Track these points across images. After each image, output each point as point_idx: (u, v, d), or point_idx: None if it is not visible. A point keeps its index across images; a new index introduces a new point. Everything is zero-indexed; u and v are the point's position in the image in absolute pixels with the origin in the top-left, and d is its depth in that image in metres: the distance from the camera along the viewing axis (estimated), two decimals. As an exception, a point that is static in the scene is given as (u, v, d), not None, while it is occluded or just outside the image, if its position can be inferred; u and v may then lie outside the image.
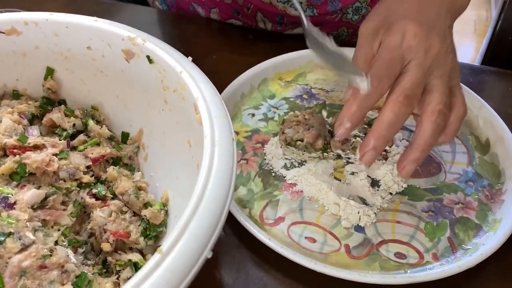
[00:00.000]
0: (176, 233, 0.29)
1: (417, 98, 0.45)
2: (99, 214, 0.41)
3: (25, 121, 0.47)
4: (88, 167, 0.45)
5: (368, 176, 0.55)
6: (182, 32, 0.78)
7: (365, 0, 0.74)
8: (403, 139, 0.60)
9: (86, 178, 0.43)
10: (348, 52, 0.48)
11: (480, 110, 0.61)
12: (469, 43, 2.26)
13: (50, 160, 0.41)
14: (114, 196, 0.45)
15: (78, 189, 0.43)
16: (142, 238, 0.42)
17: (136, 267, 0.40)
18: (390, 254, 0.48)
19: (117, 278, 0.40)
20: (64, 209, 0.41)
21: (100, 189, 0.44)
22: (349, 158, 0.57)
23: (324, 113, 0.63)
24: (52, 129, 0.49)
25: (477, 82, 0.70)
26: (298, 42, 0.71)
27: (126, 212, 0.43)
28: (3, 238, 0.35)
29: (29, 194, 0.38)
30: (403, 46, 0.45)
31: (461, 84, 0.64)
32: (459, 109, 0.47)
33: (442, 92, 0.46)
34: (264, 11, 0.75)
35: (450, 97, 0.47)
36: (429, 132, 0.45)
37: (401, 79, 0.45)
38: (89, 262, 0.40)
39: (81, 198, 0.43)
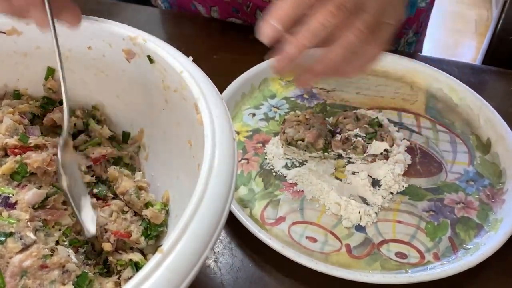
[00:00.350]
0: (177, 233, 0.29)
1: (349, 12, 0.41)
2: (100, 214, 0.41)
3: (26, 121, 0.47)
4: (89, 167, 0.45)
5: (369, 175, 0.55)
6: (182, 32, 0.78)
7: None
8: (404, 138, 0.60)
9: (87, 178, 0.43)
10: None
11: (481, 110, 0.61)
12: (470, 43, 2.26)
13: (51, 160, 0.41)
14: (115, 196, 0.45)
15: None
16: (143, 238, 0.42)
17: (137, 266, 0.40)
18: (391, 254, 0.48)
19: (118, 278, 0.40)
20: (65, 209, 0.41)
21: (101, 189, 0.44)
22: (350, 158, 0.57)
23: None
24: (53, 129, 0.49)
25: (478, 81, 0.70)
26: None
27: (127, 212, 0.43)
28: (4, 238, 0.35)
29: (30, 194, 0.38)
30: None
31: (463, 84, 0.64)
32: (372, 50, 0.45)
33: (363, 20, 0.42)
34: (263, 9, 0.75)
35: (374, 31, 0.43)
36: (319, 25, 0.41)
37: None
38: (90, 262, 0.40)
39: None
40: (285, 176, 0.55)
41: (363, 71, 0.46)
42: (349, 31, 0.42)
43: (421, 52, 0.88)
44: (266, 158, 0.57)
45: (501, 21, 0.93)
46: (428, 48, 2.14)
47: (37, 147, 0.43)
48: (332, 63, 0.44)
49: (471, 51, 2.21)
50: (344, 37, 0.42)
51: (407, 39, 0.82)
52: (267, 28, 0.41)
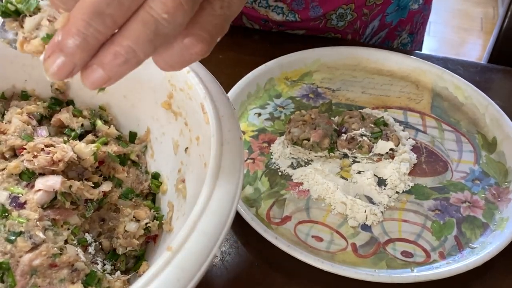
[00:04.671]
0: (186, 231, 0.29)
1: None
2: (132, 225, 0.42)
3: (34, 122, 0.48)
4: (97, 167, 0.45)
5: (374, 175, 0.55)
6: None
7: (349, 7, 0.73)
8: (409, 137, 0.60)
9: (96, 178, 0.44)
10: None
11: (487, 109, 0.61)
12: (476, 41, 2.25)
13: (59, 160, 0.42)
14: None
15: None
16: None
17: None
18: (397, 253, 0.48)
19: (127, 278, 0.40)
20: (74, 209, 0.41)
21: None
22: (355, 157, 0.57)
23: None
24: (61, 129, 0.49)
25: (483, 80, 0.69)
26: (304, 42, 0.71)
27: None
28: (14, 237, 0.36)
29: (39, 194, 0.39)
30: None
31: (469, 83, 0.64)
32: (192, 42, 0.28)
33: None
34: (247, 15, 0.75)
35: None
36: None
37: None
38: (98, 261, 0.41)
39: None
40: (291, 176, 0.55)
41: (174, 69, 0.30)
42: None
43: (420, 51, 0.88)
44: (271, 158, 0.57)
45: (507, 19, 0.92)
46: (434, 46, 2.15)
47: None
48: (129, 53, 0.27)
49: (477, 49, 2.20)
50: (146, 9, 0.26)
51: (400, 40, 0.82)
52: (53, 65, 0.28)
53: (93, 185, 0.43)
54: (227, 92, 0.59)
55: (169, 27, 0.27)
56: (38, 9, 0.30)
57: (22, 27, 0.30)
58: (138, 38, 0.27)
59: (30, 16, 0.30)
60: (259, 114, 0.63)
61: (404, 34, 0.81)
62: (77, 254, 0.37)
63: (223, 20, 0.30)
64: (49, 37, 0.29)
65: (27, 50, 0.30)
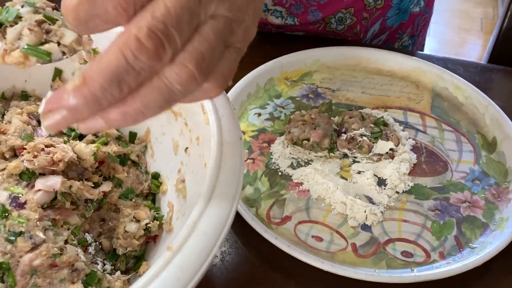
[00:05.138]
0: (186, 231, 0.29)
1: (173, 39, 0.26)
2: (132, 226, 0.42)
3: (34, 122, 0.48)
4: (97, 167, 0.45)
5: (374, 175, 0.55)
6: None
7: (349, 11, 0.73)
8: (409, 137, 0.60)
9: (96, 178, 0.44)
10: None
11: (487, 109, 0.61)
12: (476, 41, 2.25)
13: (59, 160, 0.42)
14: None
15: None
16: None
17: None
18: (397, 253, 0.48)
19: (127, 278, 0.40)
20: (74, 209, 0.41)
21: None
22: (355, 157, 0.57)
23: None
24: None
25: (483, 80, 0.69)
26: (304, 42, 0.71)
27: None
28: (14, 237, 0.36)
29: (39, 194, 0.39)
30: None
31: (469, 83, 0.64)
32: (206, 89, 0.29)
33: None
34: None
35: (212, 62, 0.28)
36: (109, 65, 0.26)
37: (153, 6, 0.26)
38: (98, 261, 0.41)
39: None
40: (291, 176, 0.56)
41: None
42: (171, 69, 0.27)
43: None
44: (271, 158, 0.58)
45: (507, 19, 0.92)
46: (434, 46, 2.14)
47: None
48: (138, 114, 0.27)
49: (477, 49, 2.20)
50: (161, 78, 0.27)
51: (401, 43, 0.82)
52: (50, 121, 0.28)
53: (93, 185, 0.43)
54: (227, 92, 0.59)
55: (179, 95, 0.27)
56: (19, 18, 0.30)
57: (4, 37, 0.30)
58: (149, 103, 0.27)
59: (11, 26, 0.30)
60: (259, 114, 0.63)
61: (405, 36, 0.81)
62: (77, 254, 0.37)
63: (236, 62, 0.31)
64: (29, 48, 0.29)
65: (9, 62, 0.30)
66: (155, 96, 0.27)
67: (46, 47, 0.30)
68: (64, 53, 0.32)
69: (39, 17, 0.31)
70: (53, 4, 0.33)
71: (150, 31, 0.25)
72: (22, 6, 0.31)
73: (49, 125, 0.28)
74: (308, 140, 0.56)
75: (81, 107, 0.26)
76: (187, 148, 0.43)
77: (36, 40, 0.29)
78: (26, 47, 0.29)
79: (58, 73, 0.50)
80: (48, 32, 0.31)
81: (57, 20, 0.32)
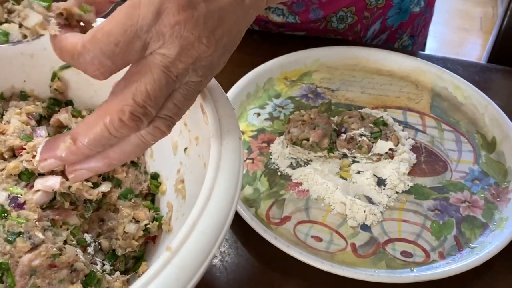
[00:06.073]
0: (185, 231, 0.29)
1: (151, 115, 0.31)
2: (132, 227, 0.42)
3: (33, 122, 0.47)
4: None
5: (374, 175, 0.55)
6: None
7: (350, 10, 0.73)
8: (409, 137, 0.60)
9: (95, 178, 0.44)
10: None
11: (487, 109, 0.61)
12: (475, 41, 2.25)
13: None
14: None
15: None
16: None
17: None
18: (397, 253, 0.48)
19: (126, 278, 0.40)
20: (73, 209, 0.41)
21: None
22: (354, 157, 0.57)
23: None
24: (60, 130, 0.49)
25: (483, 80, 0.69)
26: (303, 42, 0.71)
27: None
28: (13, 238, 0.36)
29: (39, 194, 0.39)
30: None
31: (468, 83, 0.64)
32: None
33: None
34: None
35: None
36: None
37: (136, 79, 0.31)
38: (98, 261, 0.41)
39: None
40: (290, 176, 0.55)
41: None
42: (147, 132, 0.32)
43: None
44: (271, 158, 0.57)
45: (506, 19, 0.92)
46: (434, 46, 2.14)
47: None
48: (119, 162, 0.34)
49: (476, 49, 2.20)
50: (138, 137, 0.33)
51: (401, 42, 0.82)
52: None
53: (92, 186, 0.43)
54: (226, 92, 0.59)
55: (151, 145, 0.34)
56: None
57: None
58: (129, 154, 0.33)
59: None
60: (259, 114, 0.63)
61: (405, 36, 0.81)
62: (77, 255, 0.37)
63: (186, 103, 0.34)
64: None
65: None
66: (134, 149, 0.33)
67: (4, 26, 0.30)
68: (25, 36, 0.31)
69: None
70: None
71: (131, 115, 0.30)
72: None
73: (43, 168, 0.35)
74: (308, 140, 0.56)
75: (70, 159, 0.33)
76: (186, 148, 0.43)
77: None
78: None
79: (56, 73, 0.50)
80: (10, 12, 0.30)
81: (22, 0, 0.31)
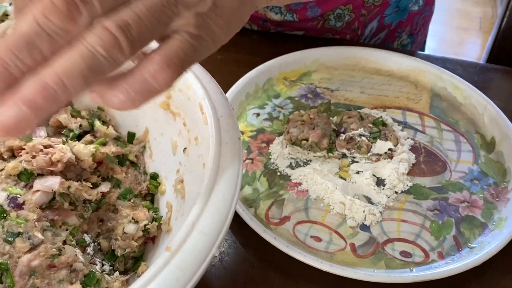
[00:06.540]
0: (184, 231, 0.29)
1: (91, 4, 0.24)
2: (131, 227, 0.42)
3: (33, 122, 0.47)
4: (95, 167, 0.45)
5: (373, 175, 0.55)
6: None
7: (347, 7, 0.73)
8: (408, 137, 0.60)
9: (94, 179, 0.44)
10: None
11: (486, 109, 0.61)
12: (475, 41, 2.25)
13: (57, 160, 0.42)
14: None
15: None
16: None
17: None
18: (396, 253, 0.48)
19: (126, 278, 0.40)
20: (72, 209, 0.41)
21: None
22: (354, 157, 0.57)
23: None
24: (59, 130, 0.49)
25: (482, 80, 0.69)
26: (303, 42, 0.71)
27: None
28: (12, 238, 0.36)
29: (38, 194, 0.39)
30: None
31: (468, 83, 0.64)
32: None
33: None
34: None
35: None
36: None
37: None
38: (97, 261, 0.41)
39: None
40: (290, 176, 0.56)
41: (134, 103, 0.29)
42: (91, 33, 0.25)
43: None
44: (270, 158, 0.57)
45: (505, 19, 0.92)
46: (433, 46, 2.15)
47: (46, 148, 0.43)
48: (59, 86, 0.25)
49: (475, 49, 2.20)
50: (80, 41, 0.25)
51: (400, 41, 0.82)
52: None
53: (91, 186, 0.43)
54: (225, 92, 0.59)
55: (105, 63, 0.25)
56: (6, 15, 0.30)
57: None
58: (70, 71, 0.24)
59: None
60: (258, 114, 0.63)
61: (404, 35, 0.81)
62: (76, 255, 0.37)
63: (195, 48, 0.28)
64: None
65: None
66: (77, 61, 0.24)
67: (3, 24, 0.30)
68: None
69: None
70: None
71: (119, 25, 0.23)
72: (10, 4, 0.30)
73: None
74: (307, 140, 0.56)
75: None
76: (185, 148, 0.43)
77: None
78: None
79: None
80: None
81: None
